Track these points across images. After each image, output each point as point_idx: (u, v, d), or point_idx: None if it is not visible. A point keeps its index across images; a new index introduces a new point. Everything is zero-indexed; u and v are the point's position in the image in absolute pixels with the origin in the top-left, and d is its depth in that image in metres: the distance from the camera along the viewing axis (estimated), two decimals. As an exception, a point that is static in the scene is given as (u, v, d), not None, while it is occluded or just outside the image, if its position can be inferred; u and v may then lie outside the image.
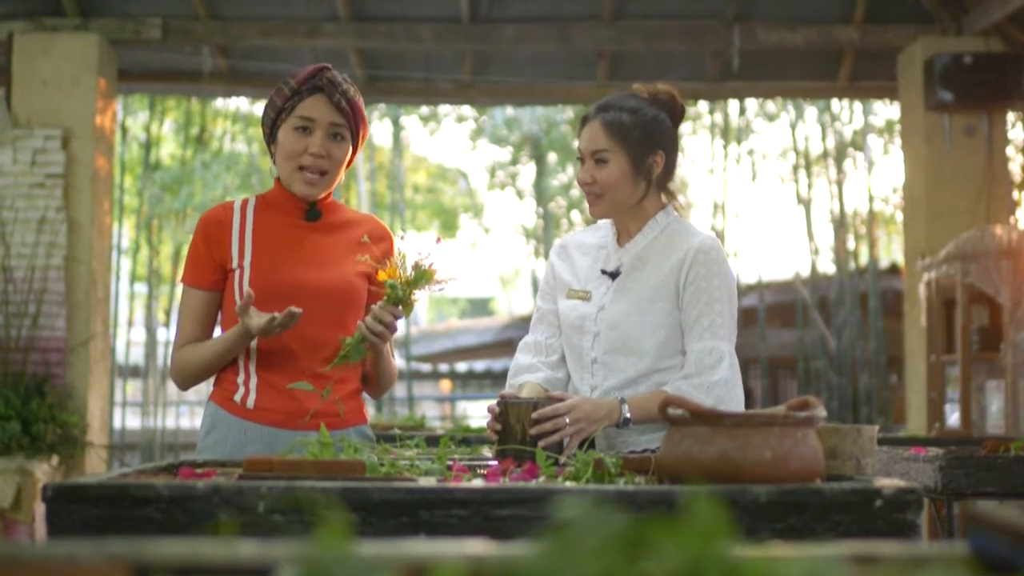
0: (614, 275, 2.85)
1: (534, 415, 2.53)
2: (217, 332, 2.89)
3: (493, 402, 2.61)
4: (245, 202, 2.88)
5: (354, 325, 2.82)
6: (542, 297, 3.00)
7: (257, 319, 2.65)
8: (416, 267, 2.63)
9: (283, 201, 2.85)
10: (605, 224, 2.97)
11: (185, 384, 2.86)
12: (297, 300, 2.71)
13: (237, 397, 2.79)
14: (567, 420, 2.55)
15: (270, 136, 2.85)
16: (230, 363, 2.81)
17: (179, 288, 3.19)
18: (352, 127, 2.83)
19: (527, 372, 2.89)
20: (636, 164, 2.80)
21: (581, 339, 2.83)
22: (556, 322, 2.93)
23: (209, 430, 2.81)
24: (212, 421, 2.81)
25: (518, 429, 2.52)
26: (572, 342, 2.86)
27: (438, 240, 2.67)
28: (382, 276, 2.66)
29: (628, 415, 2.66)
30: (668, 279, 2.78)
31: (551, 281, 2.97)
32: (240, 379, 2.79)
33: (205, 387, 2.97)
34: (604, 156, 2.79)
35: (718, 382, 2.68)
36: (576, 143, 2.89)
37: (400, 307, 2.67)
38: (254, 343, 2.77)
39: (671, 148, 2.85)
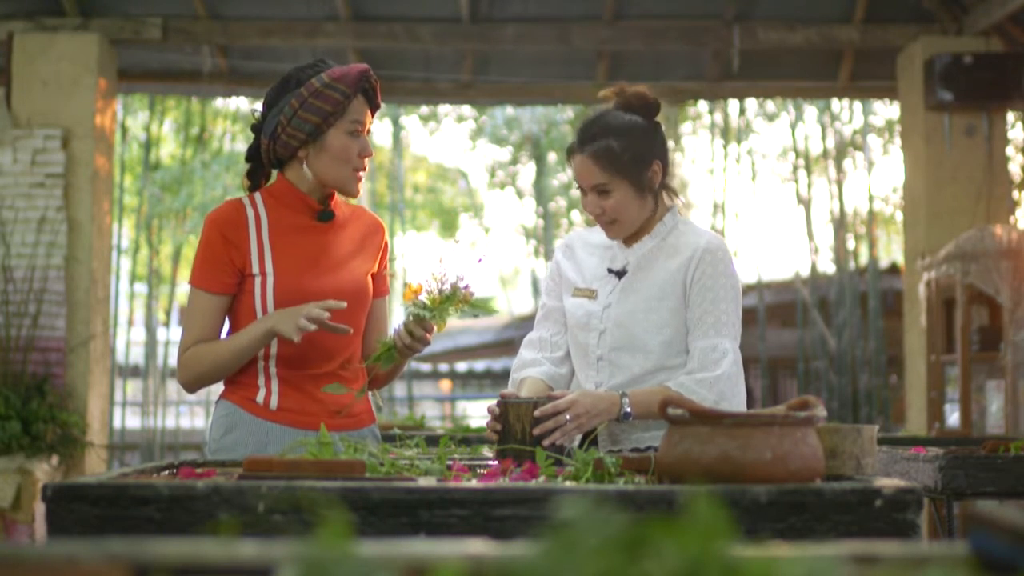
0: (621, 274, 2.86)
1: (536, 414, 2.53)
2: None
3: (493, 402, 2.61)
4: (252, 198, 2.84)
5: (364, 323, 2.84)
6: (547, 294, 3.01)
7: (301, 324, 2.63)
8: (453, 288, 2.62)
9: (294, 199, 2.82)
10: (610, 224, 2.97)
11: (194, 385, 2.80)
12: None
13: (259, 398, 2.77)
14: (567, 417, 2.55)
15: (307, 139, 2.76)
16: (247, 364, 2.79)
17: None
18: None
19: (530, 367, 2.90)
20: (638, 185, 2.80)
21: (587, 336, 2.84)
22: (561, 319, 2.94)
23: (228, 430, 2.78)
24: (231, 421, 2.78)
25: (518, 429, 2.52)
26: (578, 339, 2.87)
27: (480, 260, 2.66)
28: (408, 296, 2.66)
29: (628, 409, 2.66)
30: (675, 278, 2.79)
31: (556, 279, 2.98)
32: (260, 380, 2.78)
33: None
34: (605, 188, 2.79)
35: (721, 377, 2.69)
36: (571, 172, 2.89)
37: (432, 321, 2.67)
38: (274, 347, 2.77)
39: (663, 152, 2.85)
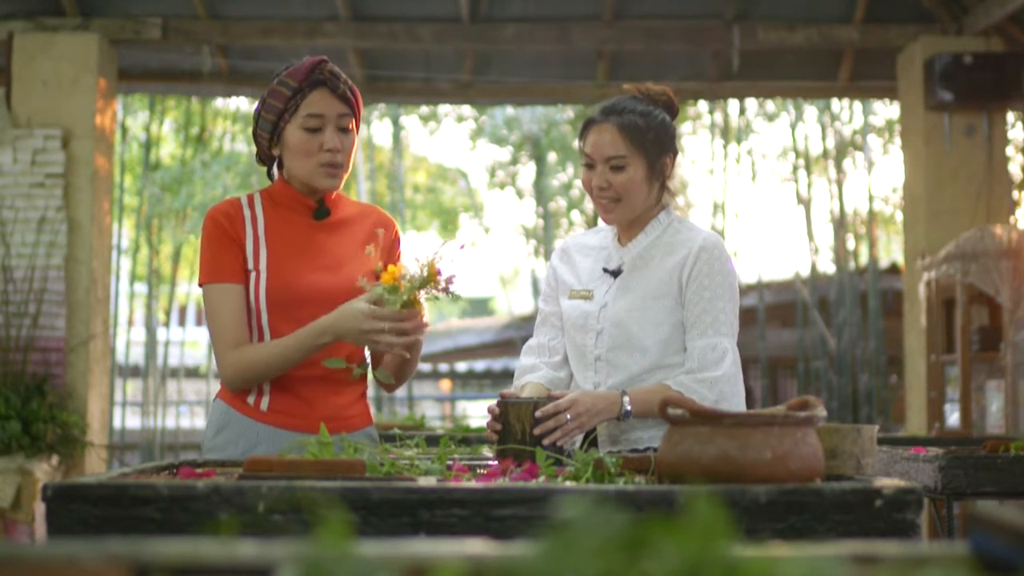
0: (616, 273, 2.85)
1: (537, 414, 2.53)
2: None
3: (493, 402, 2.61)
4: (251, 198, 2.84)
5: None
6: (544, 300, 3.00)
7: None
8: (427, 272, 2.58)
9: (290, 199, 2.82)
10: (606, 226, 2.97)
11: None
12: (311, 305, 2.70)
13: (251, 399, 2.76)
14: (568, 416, 2.56)
15: (271, 139, 2.78)
16: None
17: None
18: (355, 115, 2.80)
19: (529, 373, 2.90)
20: (651, 168, 2.79)
21: (584, 337, 2.83)
22: (558, 324, 2.94)
23: (220, 429, 2.78)
24: (223, 420, 2.78)
25: (518, 429, 2.52)
26: (575, 340, 2.86)
27: (463, 247, 2.62)
28: (386, 278, 2.62)
29: (629, 407, 2.66)
30: (671, 276, 2.79)
31: (552, 283, 2.98)
32: None
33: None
34: (621, 163, 2.76)
35: (721, 378, 2.69)
36: (579, 145, 2.87)
37: (405, 308, 2.62)
38: None
39: (675, 149, 2.87)
